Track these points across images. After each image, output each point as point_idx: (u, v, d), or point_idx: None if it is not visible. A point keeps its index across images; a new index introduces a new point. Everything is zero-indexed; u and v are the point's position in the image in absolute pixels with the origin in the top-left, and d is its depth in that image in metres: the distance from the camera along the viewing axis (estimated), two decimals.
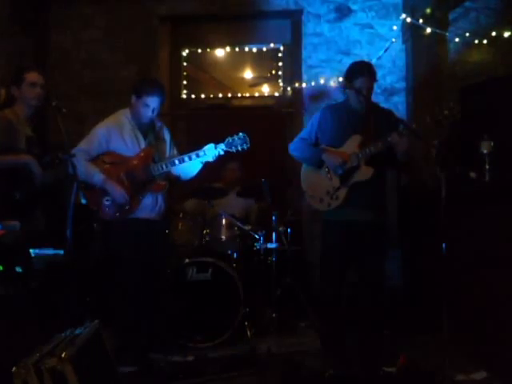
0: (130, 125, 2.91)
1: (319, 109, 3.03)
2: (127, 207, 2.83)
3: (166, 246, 3.10)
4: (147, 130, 2.94)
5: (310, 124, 2.94)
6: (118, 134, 2.87)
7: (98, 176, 2.80)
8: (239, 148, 2.88)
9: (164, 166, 2.86)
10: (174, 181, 3.06)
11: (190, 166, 2.95)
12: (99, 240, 3.87)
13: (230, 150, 2.88)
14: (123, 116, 2.92)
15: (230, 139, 2.88)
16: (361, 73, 2.75)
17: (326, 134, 2.85)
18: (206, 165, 2.97)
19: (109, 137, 2.86)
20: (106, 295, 3.05)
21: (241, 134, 2.89)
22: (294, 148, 2.96)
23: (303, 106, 4.40)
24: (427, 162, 3.42)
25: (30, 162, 2.54)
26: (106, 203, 2.82)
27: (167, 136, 3.06)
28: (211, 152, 2.86)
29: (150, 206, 2.89)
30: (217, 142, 2.88)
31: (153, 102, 2.82)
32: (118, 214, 2.83)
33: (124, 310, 2.86)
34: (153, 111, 2.84)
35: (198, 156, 2.86)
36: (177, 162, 2.87)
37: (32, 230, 2.52)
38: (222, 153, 2.88)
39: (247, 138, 2.89)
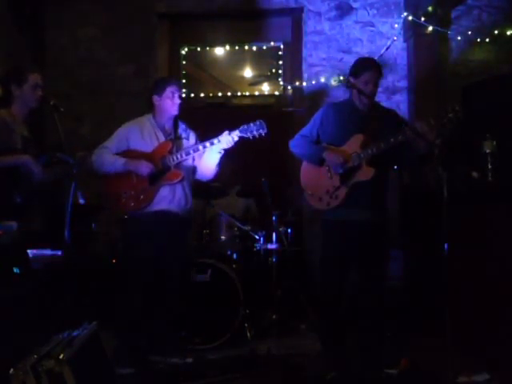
0: (150, 125, 2.96)
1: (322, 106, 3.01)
2: (142, 197, 2.84)
3: (184, 245, 3.05)
4: (169, 130, 2.98)
5: (312, 121, 2.91)
6: (137, 131, 2.94)
7: (118, 161, 2.88)
8: (255, 133, 2.81)
9: (179, 156, 2.87)
10: (197, 174, 3.05)
11: (207, 158, 2.93)
12: (99, 240, 3.87)
13: (245, 135, 2.82)
14: (145, 118, 3.01)
15: (245, 125, 2.83)
16: (367, 67, 2.73)
17: (327, 131, 2.83)
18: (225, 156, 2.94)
19: (129, 134, 2.94)
20: (107, 295, 3.03)
21: (257, 120, 2.83)
22: (295, 145, 2.93)
23: None
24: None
25: (29, 162, 2.51)
26: (124, 195, 2.86)
27: (192, 137, 3.06)
28: (225, 139, 2.82)
29: (167, 197, 2.89)
30: (232, 128, 2.84)
31: (176, 90, 2.92)
32: (133, 204, 2.85)
33: (126, 310, 2.85)
34: (180, 98, 2.92)
35: (212, 144, 2.84)
36: (191, 151, 2.88)
37: (29, 230, 2.50)
38: (236, 139, 2.83)
39: (264, 124, 2.81)
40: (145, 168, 2.84)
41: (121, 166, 2.86)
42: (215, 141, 2.84)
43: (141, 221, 2.87)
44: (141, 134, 2.93)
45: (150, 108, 2.99)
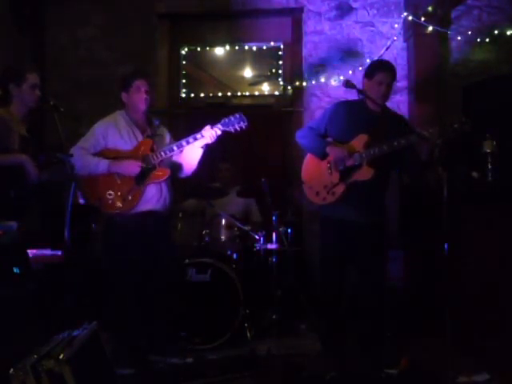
0: (125, 121, 2.91)
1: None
2: (130, 197, 2.80)
3: (171, 242, 3.05)
4: (144, 126, 2.94)
5: (322, 116, 2.94)
6: (114, 129, 2.87)
7: (102, 163, 2.80)
8: (237, 127, 2.83)
9: (163, 153, 2.83)
10: (177, 171, 3.02)
11: (189, 154, 2.92)
12: (99, 240, 3.86)
13: (227, 129, 2.83)
14: (119, 115, 2.95)
15: (225, 119, 2.84)
16: (381, 68, 2.76)
17: (334, 128, 2.85)
18: (203, 160, 2.93)
19: (106, 133, 2.86)
20: (105, 296, 3.02)
21: (237, 114, 2.85)
22: (301, 136, 2.95)
23: None
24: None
25: (25, 162, 2.51)
26: (109, 197, 2.80)
27: (166, 134, 3.05)
28: (208, 133, 2.82)
29: (154, 196, 2.86)
30: (213, 123, 2.86)
31: (142, 84, 2.86)
32: (121, 206, 2.80)
33: (124, 311, 2.84)
34: (146, 93, 2.86)
35: (195, 139, 2.83)
36: (175, 147, 2.84)
37: (28, 230, 2.49)
38: (219, 132, 2.84)
39: (243, 117, 2.84)
40: (134, 168, 2.78)
41: (105, 169, 2.78)
42: (198, 136, 2.83)
43: (128, 221, 2.82)
44: (118, 132, 2.86)
45: (122, 105, 2.94)
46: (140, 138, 2.90)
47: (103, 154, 2.85)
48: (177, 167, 3.01)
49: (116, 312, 2.87)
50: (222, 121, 2.84)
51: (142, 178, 2.82)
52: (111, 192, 2.80)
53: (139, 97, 2.85)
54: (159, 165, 2.85)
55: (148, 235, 2.84)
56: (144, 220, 2.83)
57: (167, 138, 3.04)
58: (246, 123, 2.84)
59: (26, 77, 2.59)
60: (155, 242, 2.87)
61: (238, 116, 2.84)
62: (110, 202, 2.80)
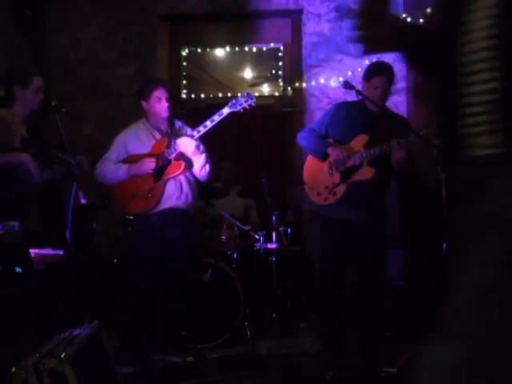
0: (146, 127, 2.96)
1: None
2: (149, 195, 2.84)
3: (190, 241, 3.05)
4: (166, 130, 2.97)
5: (322, 117, 2.98)
6: (133, 135, 2.94)
7: (122, 169, 2.88)
8: (245, 105, 2.82)
9: (176, 147, 2.86)
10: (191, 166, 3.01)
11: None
12: (100, 240, 3.88)
13: (235, 110, 2.82)
14: (140, 122, 3.01)
15: (233, 100, 2.84)
16: (377, 73, 2.76)
17: (335, 128, 2.87)
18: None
19: (126, 142, 2.94)
20: (108, 295, 3.04)
21: (244, 92, 2.86)
22: (303, 137, 2.98)
23: None
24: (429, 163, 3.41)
25: (27, 161, 2.52)
26: (133, 198, 2.87)
27: (189, 134, 3.03)
28: (217, 118, 2.83)
29: (175, 193, 2.89)
30: (221, 107, 2.86)
31: (162, 93, 2.88)
32: (141, 205, 2.85)
33: (125, 311, 2.85)
34: (167, 101, 2.89)
35: (205, 127, 2.84)
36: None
37: (28, 230, 2.50)
38: (227, 112, 2.82)
39: (251, 95, 2.84)
40: (149, 164, 2.84)
41: (125, 173, 2.87)
42: (208, 123, 2.84)
43: (149, 220, 2.85)
44: (137, 138, 2.93)
45: (142, 112, 2.99)
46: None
47: (128, 160, 2.92)
48: (191, 165, 2.99)
49: (117, 311, 2.89)
50: (230, 102, 2.83)
51: (160, 173, 2.86)
52: (135, 194, 2.87)
53: (160, 106, 2.89)
54: (174, 159, 2.87)
55: (169, 234, 2.86)
56: (165, 218, 2.85)
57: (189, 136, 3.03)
58: (254, 100, 2.82)
59: (32, 79, 2.60)
60: (176, 241, 2.87)
61: (245, 94, 2.84)
62: (133, 203, 2.86)
